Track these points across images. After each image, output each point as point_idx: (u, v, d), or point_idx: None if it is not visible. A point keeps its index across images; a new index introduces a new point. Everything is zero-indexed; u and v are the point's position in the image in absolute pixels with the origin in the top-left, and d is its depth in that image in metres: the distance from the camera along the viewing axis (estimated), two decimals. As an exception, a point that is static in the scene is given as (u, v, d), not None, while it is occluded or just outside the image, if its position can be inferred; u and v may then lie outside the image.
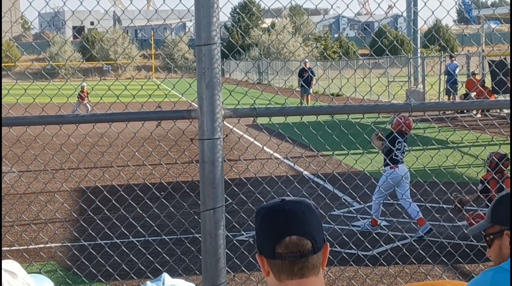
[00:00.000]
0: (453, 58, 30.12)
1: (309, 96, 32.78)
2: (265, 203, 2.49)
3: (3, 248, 9.38)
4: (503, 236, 2.91)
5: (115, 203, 5.90)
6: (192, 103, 4.47)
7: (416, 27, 35.65)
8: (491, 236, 2.95)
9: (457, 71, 29.33)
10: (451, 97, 29.64)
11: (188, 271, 8.16)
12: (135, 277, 6.77)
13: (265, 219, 2.36)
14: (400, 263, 8.52)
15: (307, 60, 35.76)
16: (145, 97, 5.18)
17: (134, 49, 78.12)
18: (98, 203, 5.70)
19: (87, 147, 17.82)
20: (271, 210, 2.37)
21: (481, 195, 9.48)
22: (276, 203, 2.39)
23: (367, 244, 8.53)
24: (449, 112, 25.55)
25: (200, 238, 4.10)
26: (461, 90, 29.67)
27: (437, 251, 7.49)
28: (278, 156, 17.39)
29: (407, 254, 7.58)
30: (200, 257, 4.13)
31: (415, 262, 8.43)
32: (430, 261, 8.53)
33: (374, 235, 7.30)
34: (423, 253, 8.32)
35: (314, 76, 33.94)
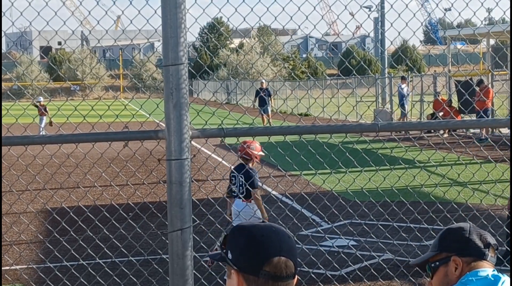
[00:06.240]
0: (404, 80, 30.45)
1: (268, 114, 32.96)
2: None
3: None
4: (450, 262, 3.02)
5: (81, 224, 5.84)
6: (160, 123, 4.45)
7: (383, 47, 36.00)
8: (437, 263, 3.06)
9: (404, 91, 29.59)
10: (403, 118, 30.05)
11: (155, 293, 8.08)
12: (102, 299, 6.70)
13: (254, 237, 2.35)
14: (368, 282, 8.52)
15: (263, 80, 35.89)
16: (112, 117, 5.15)
17: (102, 69, 77.88)
18: (64, 225, 5.64)
19: (54, 168, 17.67)
20: (260, 229, 2.38)
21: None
22: (260, 224, 2.42)
23: (335, 264, 8.53)
24: (416, 131, 25.76)
25: (168, 259, 4.07)
26: (428, 109, 29.96)
27: (405, 271, 7.52)
28: (247, 176, 17.33)
29: (375, 274, 7.59)
30: (168, 278, 4.09)
31: (383, 281, 8.44)
32: (397, 280, 8.55)
33: (342, 255, 7.30)
34: (391, 273, 8.34)
35: (270, 96, 34.12)
